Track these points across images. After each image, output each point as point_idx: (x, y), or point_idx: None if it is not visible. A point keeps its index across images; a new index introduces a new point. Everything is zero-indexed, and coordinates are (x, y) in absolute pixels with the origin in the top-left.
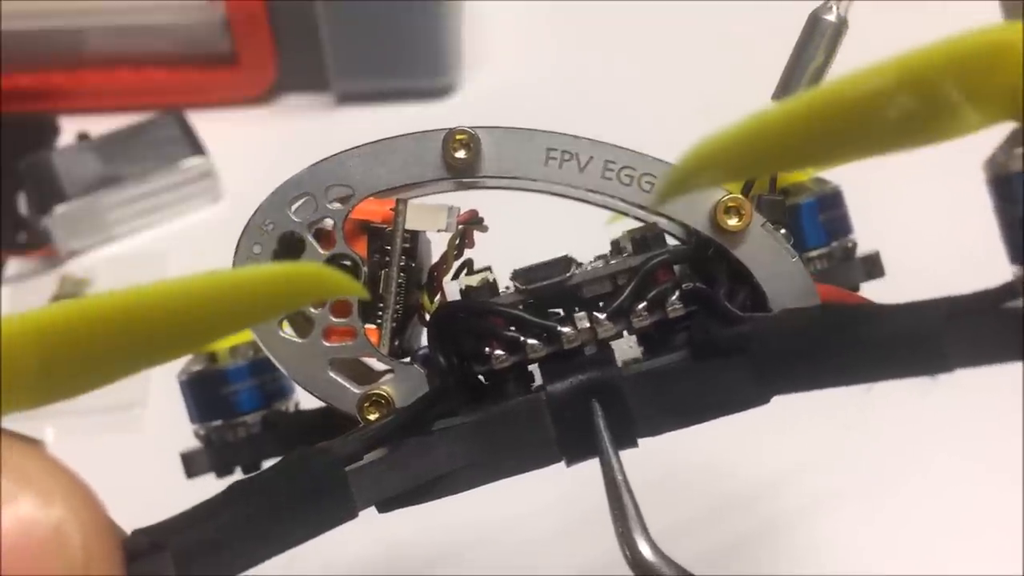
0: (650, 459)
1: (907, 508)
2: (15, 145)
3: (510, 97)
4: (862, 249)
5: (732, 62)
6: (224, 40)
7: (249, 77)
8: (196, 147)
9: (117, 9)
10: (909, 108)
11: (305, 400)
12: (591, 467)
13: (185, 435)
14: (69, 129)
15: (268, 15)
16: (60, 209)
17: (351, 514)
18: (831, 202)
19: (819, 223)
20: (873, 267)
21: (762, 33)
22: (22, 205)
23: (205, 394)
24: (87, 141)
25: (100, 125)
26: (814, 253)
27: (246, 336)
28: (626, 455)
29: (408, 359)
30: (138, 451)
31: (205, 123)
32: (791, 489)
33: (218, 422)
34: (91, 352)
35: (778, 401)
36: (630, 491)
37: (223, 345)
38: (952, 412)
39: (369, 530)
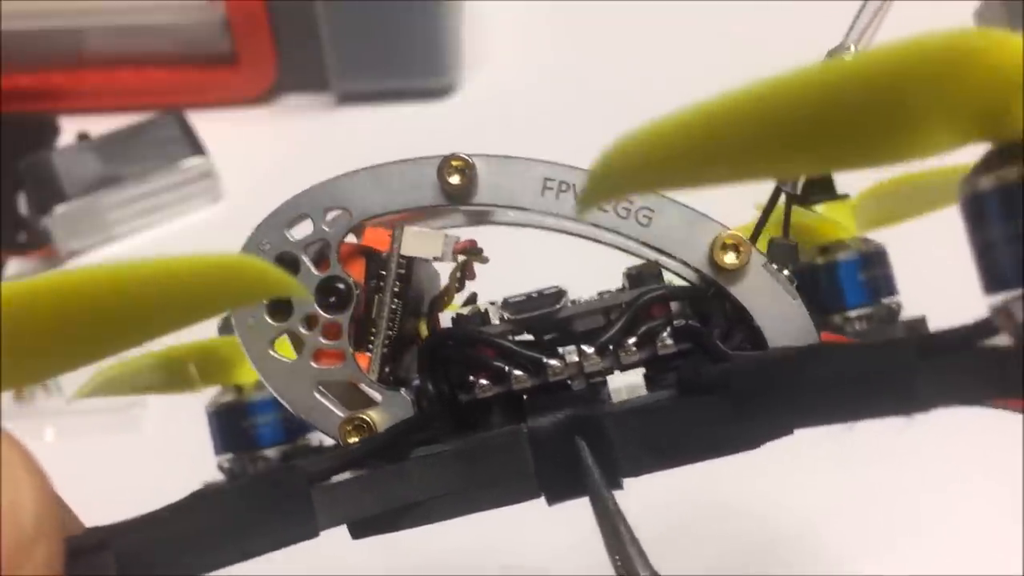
0: (666, 503)
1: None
2: (15, 145)
3: (510, 97)
4: (907, 313)
5: (733, 62)
6: (224, 40)
7: (249, 77)
8: (196, 147)
9: (117, 9)
10: (856, 115)
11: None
12: None
13: (184, 436)
14: (69, 129)
15: (268, 15)
16: (60, 209)
17: (311, 532)
18: (874, 261)
19: (859, 282)
20: (918, 332)
21: (763, 34)
22: (22, 205)
23: (229, 426)
24: (87, 141)
25: (100, 125)
26: (853, 313)
27: None
28: (660, 494)
29: (400, 388)
30: (137, 451)
31: (205, 123)
32: (810, 533)
33: (239, 454)
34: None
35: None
36: (624, 521)
37: (251, 378)
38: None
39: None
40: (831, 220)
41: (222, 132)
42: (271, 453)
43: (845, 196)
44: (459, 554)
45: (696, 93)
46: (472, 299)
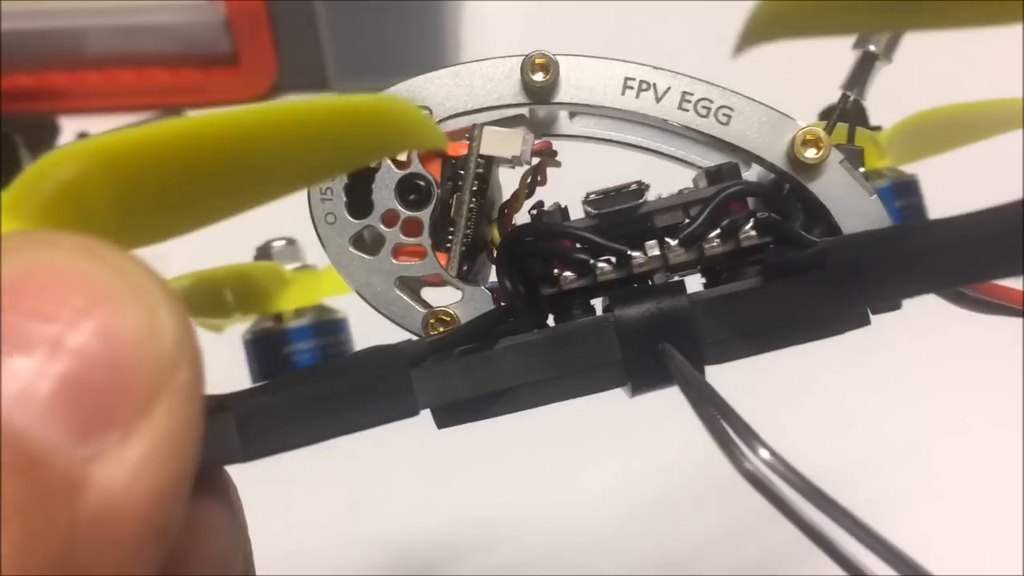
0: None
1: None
2: (15, 145)
3: None
4: None
5: (734, 63)
6: (224, 40)
7: (249, 77)
8: None
9: (117, 9)
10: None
11: None
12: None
13: None
14: (69, 129)
15: (268, 15)
16: None
17: (412, 410)
18: (907, 190)
19: (895, 209)
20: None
21: None
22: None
23: (266, 353)
24: None
25: (100, 125)
26: None
27: (313, 298)
28: (685, 459)
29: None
30: None
31: None
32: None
33: None
34: (173, 182)
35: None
36: (722, 400)
37: (289, 306)
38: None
39: (370, 530)
40: (877, 142)
41: None
42: None
43: (878, 128)
44: (460, 554)
45: None
46: (539, 206)
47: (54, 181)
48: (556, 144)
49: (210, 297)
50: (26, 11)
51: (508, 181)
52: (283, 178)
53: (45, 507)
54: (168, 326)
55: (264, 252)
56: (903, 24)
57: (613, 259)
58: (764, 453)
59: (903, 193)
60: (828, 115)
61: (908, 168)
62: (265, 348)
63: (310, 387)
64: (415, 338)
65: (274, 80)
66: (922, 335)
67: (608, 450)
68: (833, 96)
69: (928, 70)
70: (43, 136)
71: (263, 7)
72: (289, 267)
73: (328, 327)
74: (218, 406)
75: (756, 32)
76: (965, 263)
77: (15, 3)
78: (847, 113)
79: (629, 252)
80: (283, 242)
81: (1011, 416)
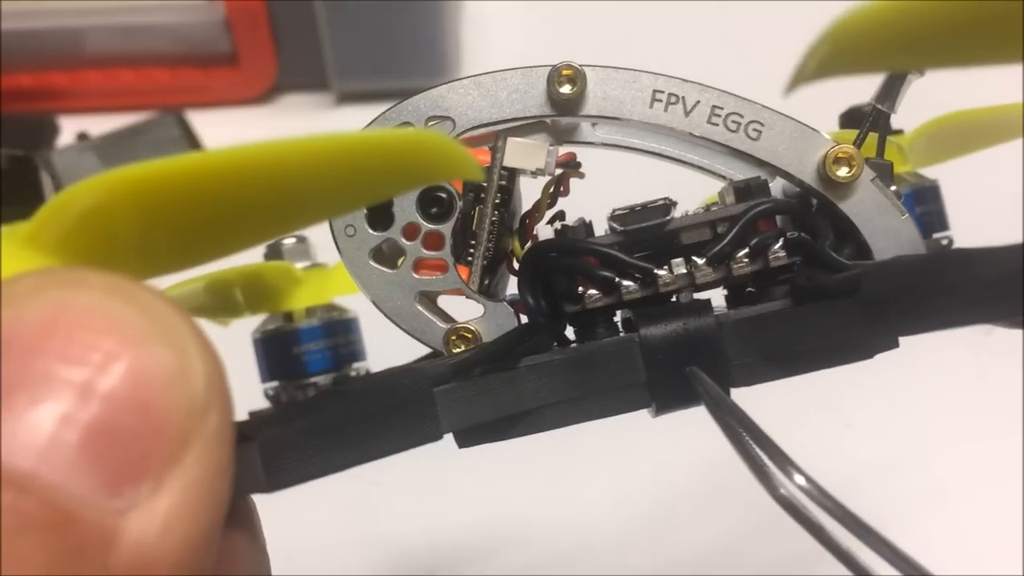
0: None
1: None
2: (15, 145)
3: None
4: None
5: (734, 64)
6: (224, 40)
7: (249, 77)
8: (196, 147)
9: (117, 9)
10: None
11: (375, 365)
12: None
13: None
14: (69, 129)
15: (268, 15)
16: None
17: (436, 434)
18: (928, 196)
19: (915, 216)
20: None
21: (765, 36)
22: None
23: (276, 352)
24: (87, 141)
25: (100, 125)
26: None
27: (323, 297)
28: (691, 463)
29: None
30: None
31: (205, 123)
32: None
33: (287, 381)
34: (202, 215)
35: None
36: (754, 424)
37: (300, 305)
38: None
39: (370, 528)
40: (898, 147)
41: (222, 132)
42: (320, 381)
43: (899, 131)
44: (462, 557)
45: None
46: (560, 217)
47: (75, 212)
48: (578, 150)
49: (221, 298)
50: (26, 11)
51: (529, 190)
52: (314, 209)
53: (77, 564)
54: (199, 369)
55: (275, 250)
56: (962, 62)
57: (639, 276)
58: (800, 479)
59: (924, 199)
60: (849, 119)
61: (929, 172)
62: (275, 347)
63: (334, 413)
64: (432, 354)
65: (274, 80)
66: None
67: (613, 454)
68: (849, 97)
69: (949, 74)
70: (43, 136)
71: (263, 7)
72: (299, 266)
73: (339, 327)
74: (241, 435)
75: (811, 70)
76: (1006, 299)
77: (15, 3)
78: (874, 124)
79: (655, 271)
80: (294, 240)
81: (1011, 416)
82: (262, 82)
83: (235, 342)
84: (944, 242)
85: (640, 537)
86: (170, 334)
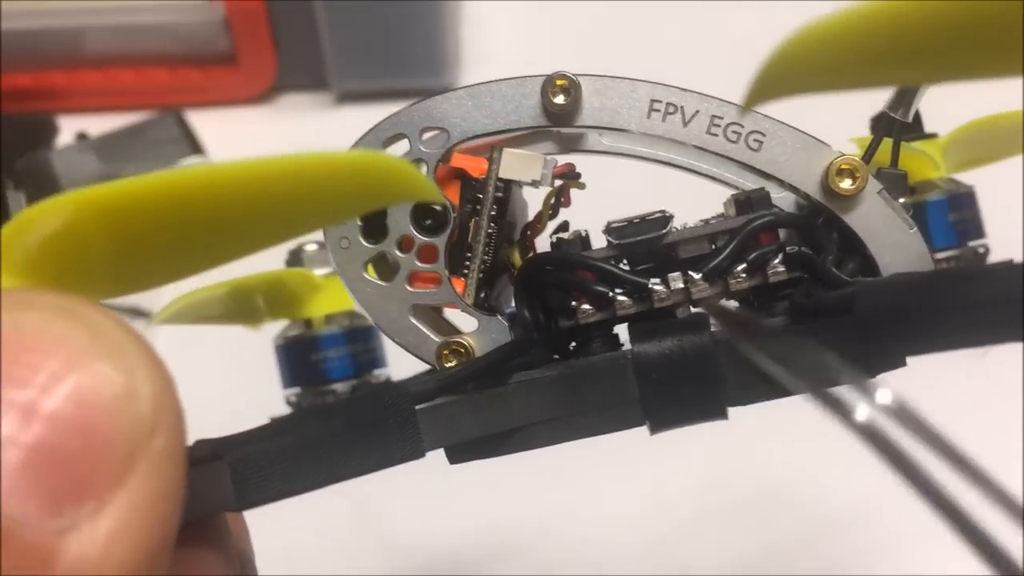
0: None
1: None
2: (15, 145)
3: None
4: (994, 257)
5: (734, 64)
6: (224, 40)
7: (249, 77)
8: (195, 147)
9: (117, 9)
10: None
11: (396, 373)
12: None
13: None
14: (68, 129)
15: (268, 15)
16: None
17: (417, 452)
18: (963, 202)
19: (948, 223)
20: None
21: (765, 37)
22: (22, 205)
23: (297, 359)
24: (86, 141)
25: (99, 125)
26: (941, 255)
27: (343, 304)
28: (716, 474)
29: (496, 315)
30: None
31: (205, 123)
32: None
33: (307, 388)
34: (164, 236)
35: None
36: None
37: (320, 312)
38: None
39: (369, 527)
40: (927, 156)
41: (221, 132)
42: (339, 388)
43: (934, 135)
44: (464, 561)
45: None
46: (563, 227)
47: (41, 232)
48: (582, 158)
49: (243, 304)
50: (26, 11)
51: (533, 200)
52: (270, 231)
53: None
54: (146, 390)
55: (296, 256)
56: (920, 79)
57: (633, 291)
58: (883, 396)
59: (958, 206)
60: (878, 123)
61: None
62: (296, 354)
63: (307, 431)
64: (426, 370)
65: (273, 80)
66: None
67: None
68: (869, 106)
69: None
70: (42, 136)
71: (262, 7)
72: (320, 272)
73: (359, 334)
74: (212, 453)
75: (764, 88)
76: (1003, 324)
77: (15, 3)
78: (893, 130)
79: (651, 286)
80: (315, 246)
81: (1011, 416)
82: (262, 82)
83: (259, 348)
84: (980, 251)
85: (650, 553)
86: (117, 355)
